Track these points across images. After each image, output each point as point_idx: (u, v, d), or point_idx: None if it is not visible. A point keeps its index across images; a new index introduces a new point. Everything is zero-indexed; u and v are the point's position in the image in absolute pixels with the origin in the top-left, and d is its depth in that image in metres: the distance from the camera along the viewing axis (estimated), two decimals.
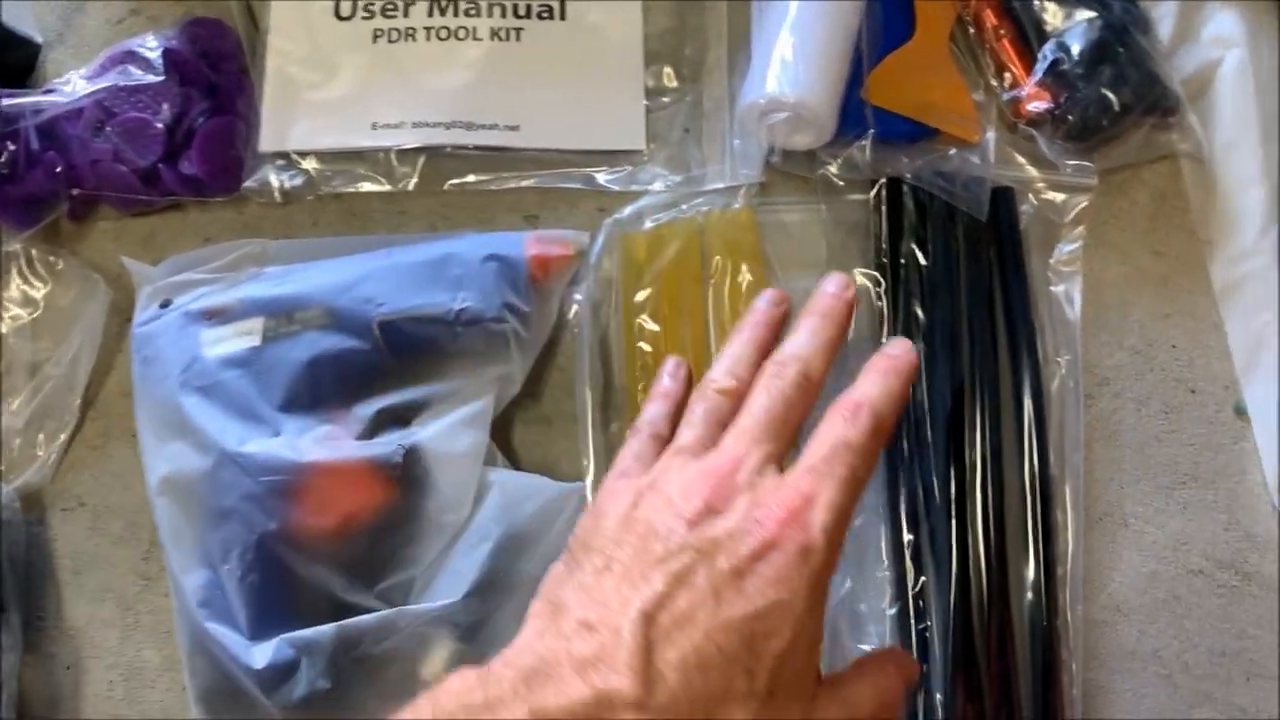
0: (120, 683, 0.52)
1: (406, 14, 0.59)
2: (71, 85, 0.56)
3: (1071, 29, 0.55)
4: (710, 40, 0.59)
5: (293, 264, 0.54)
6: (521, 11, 0.59)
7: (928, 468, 0.51)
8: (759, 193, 0.56)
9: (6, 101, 0.55)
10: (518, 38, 0.58)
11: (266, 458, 0.48)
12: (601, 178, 0.57)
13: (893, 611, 0.50)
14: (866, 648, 0.50)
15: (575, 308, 0.54)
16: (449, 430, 0.50)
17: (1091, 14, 0.55)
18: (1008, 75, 0.56)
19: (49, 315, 0.56)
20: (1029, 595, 0.50)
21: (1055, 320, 0.54)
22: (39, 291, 0.56)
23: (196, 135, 0.56)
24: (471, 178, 0.57)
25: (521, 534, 0.49)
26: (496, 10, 0.59)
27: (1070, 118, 0.54)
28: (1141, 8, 0.56)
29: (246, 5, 0.60)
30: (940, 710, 0.48)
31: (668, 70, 0.59)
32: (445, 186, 0.57)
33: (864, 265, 0.55)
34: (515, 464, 0.53)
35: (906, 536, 0.50)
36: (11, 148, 0.54)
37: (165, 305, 0.53)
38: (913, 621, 0.49)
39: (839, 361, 0.40)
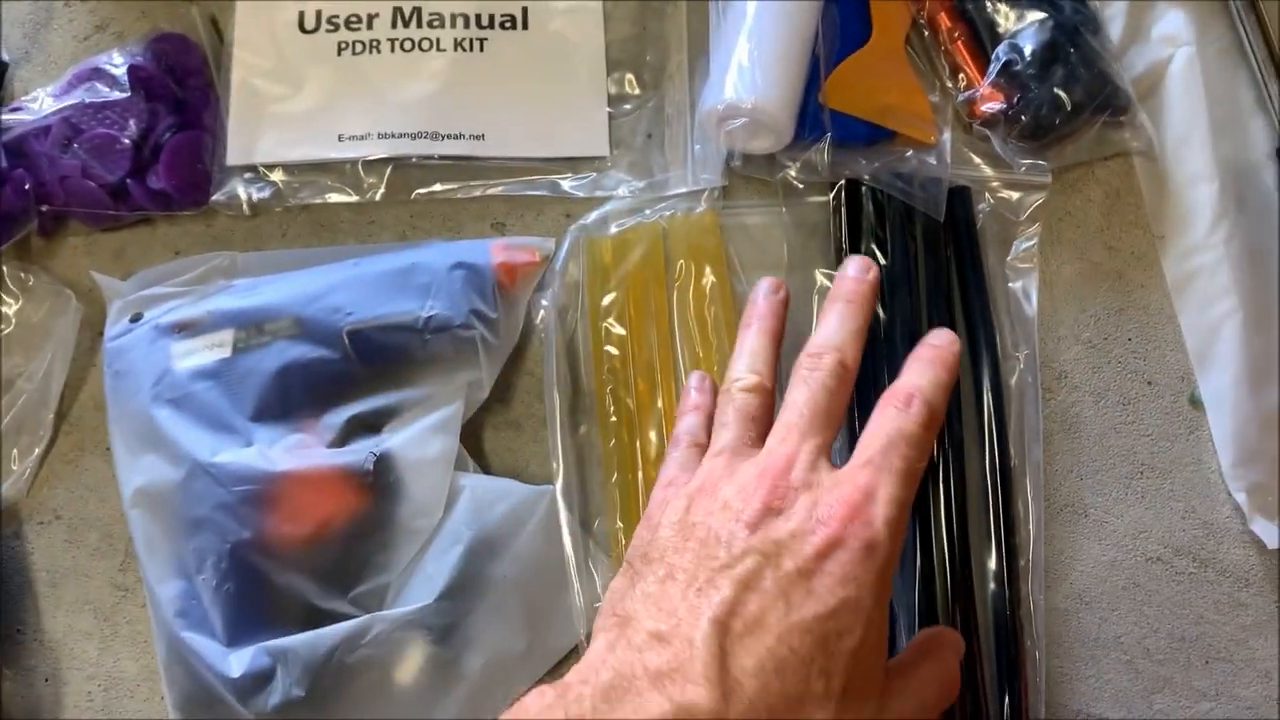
0: (99, 693, 0.52)
1: (370, 26, 0.59)
2: (39, 103, 0.57)
3: (1024, 31, 0.56)
4: (671, 47, 0.60)
5: (262, 276, 0.55)
6: (484, 22, 0.59)
7: None
8: (721, 196, 0.57)
9: None
10: (481, 48, 0.59)
11: (239, 467, 0.48)
12: (567, 184, 0.58)
13: None
14: None
15: (543, 313, 0.55)
16: (419, 436, 0.50)
17: (1043, 15, 0.56)
18: (962, 77, 0.57)
19: (21, 331, 0.56)
20: (992, 586, 0.51)
21: (1013, 316, 0.55)
22: (10, 307, 0.56)
23: (164, 150, 0.56)
24: (438, 187, 0.58)
25: (492, 536, 0.50)
26: (460, 21, 0.59)
27: (1024, 118, 0.55)
28: (1092, 8, 0.57)
29: (211, 19, 0.61)
30: None
31: (630, 77, 0.60)
32: (412, 196, 0.58)
33: (825, 265, 0.56)
34: (486, 468, 0.54)
35: None
36: None
37: (136, 319, 0.53)
38: None
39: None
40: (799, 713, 0.32)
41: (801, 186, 0.56)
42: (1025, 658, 0.50)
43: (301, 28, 0.59)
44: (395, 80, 0.58)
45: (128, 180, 0.56)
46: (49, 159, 0.55)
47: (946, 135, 0.56)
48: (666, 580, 0.35)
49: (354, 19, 0.59)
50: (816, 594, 0.33)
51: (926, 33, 0.58)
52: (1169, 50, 0.59)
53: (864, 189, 0.55)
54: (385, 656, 0.48)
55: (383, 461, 0.49)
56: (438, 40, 0.59)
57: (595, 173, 0.58)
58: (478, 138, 0.58)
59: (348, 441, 0.50)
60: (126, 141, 0.55)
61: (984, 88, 0.56)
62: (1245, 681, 0.52)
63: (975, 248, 0.55)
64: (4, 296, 0.56)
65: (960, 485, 0.52)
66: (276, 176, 0.58)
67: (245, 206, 0.57)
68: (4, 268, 0.57)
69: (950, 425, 0.52)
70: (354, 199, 0.57)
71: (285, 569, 0.48)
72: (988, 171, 0.57)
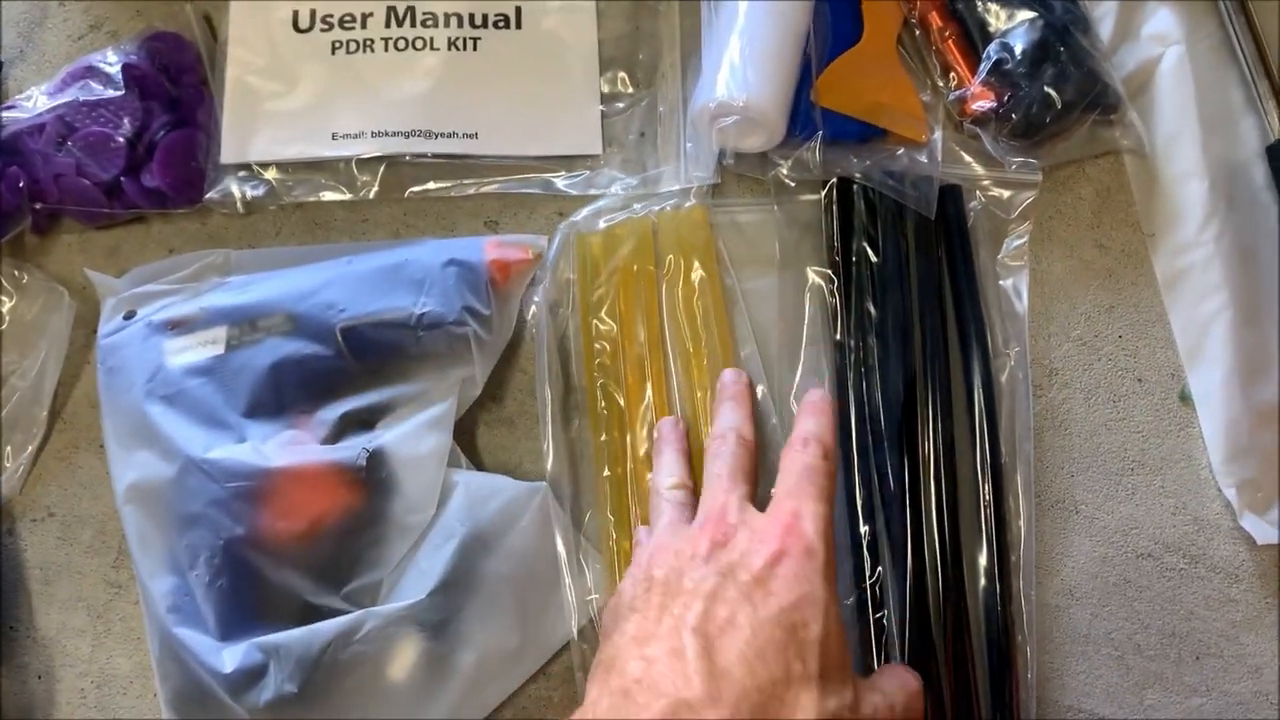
0: (92, 690, 0.52)
1: (364, 25, 0.59)
2: (33, 101, 0.57)
3: (1014, 30, 0.56)
4: (663, 46, 0.60)
5: (256, 273, 0.55)
6: (478, 21, 0.60)
7: (882, 460, 0.52)
8: (713, 194, 0.57)
9: None
10: (475, 47, 0.59)
11: (232, 463, 0.48)
12: (560, 182, 0.58)
13: (850, 601, 0.51)
14: None
15: (534, 309, 0.55)
16: (413, 433, 0.51)
17: (1033, 15, 0.56)
18: (953, 76, 0.57)
19: (15, 328, 0.56)
20: (983, 582, 0.51)
21: (1004, 313, 0.55)
22: (4, 305, 0.56)
23: (158, 148, 0.56)
24: (432, 185, 0.58)
25: (485, 532, 0.50)
26: (453, 20, 0.59)
27: (1014, 116, 0.55)
28: (1082, 8, 0.58)
29: (205, 18, 0.61)
30: None
31: (622, 76, 0.60)
32: (406, 194, 0.58)
33: (816, 263, 0.56)
34: (479, 465, 0.54)
35: (863, 528, 0.51)
36: None
37: (129, 316, 0.53)
38: (870, 611, 0.50)
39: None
40: (787, 692, 0.36)
41: (793, 184, 0.56)
42: (1016, 653, 0.50)
43: (296, 26, 0.60)
44: (389, 79, 0.59)
45: (122, 178, 0.56)
46: (43, 157, 0.55)
47: (938, 134, 0.56)
48: (641, 621, 0.40)
49: (348, 18, 0.59)
50: (775, 593, 0.38)
51: (918, 32, 0.59)
52: (1159, 49, 0.59)
53: (855, 187, 0.56)
54: (378, 652, 0.48)
55: (376, 458, 0.49)
56: (431, 39, 0.59)
57: (588, 170, 0.58)
58: (471, 136, 0.58)
59: (341, 438, 0.50)
60: (121, 139, 0.55)
61: (975, 86, 0.56)
62: (1235, 677, 0.52)
63: (966, 245, 0.55)
64: None
65: (952, 483, 0.52)
66: (270, 174, 0.58)
67: (239, 204, 0.57)
68: None
69: (941, 422, 0.52)
70: (348, 197, 0.58)
71: (278, 565, 0.48)
72: (979, 170, 0.57)
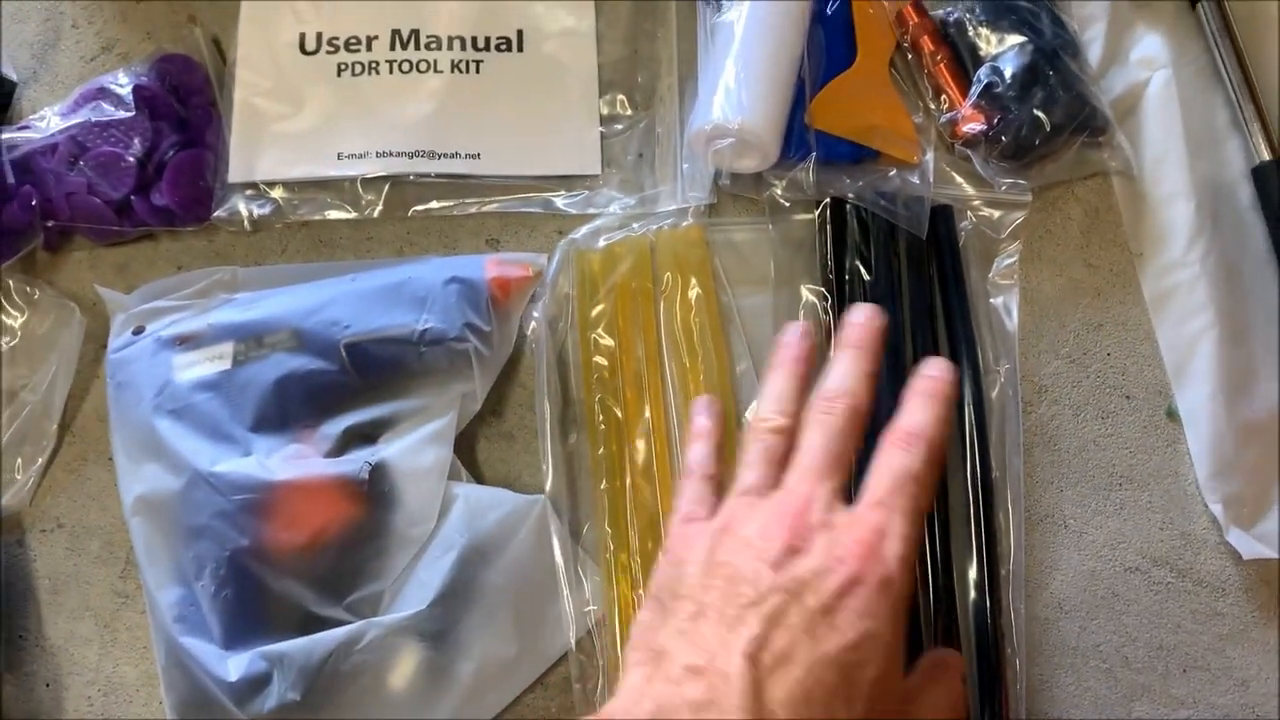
0: (99, 698, 0.53)
1: (369, 48, 0.61)
2: (46, 121, 0.58)
3: (1005, 54, 0.57)
4: (662, 69, 0.61)
5: (262, 290, 0.56)
6: (480, 44, 0.61)
7: None
8: (709, 213, 0.58)
9: None
10: (477, 69, 0.61)
11: (238, 477, 0.49)
12: (560, 202, 0.59)
13: None
14: None
15: (534, 324, 0.56)
16: (414, 446, 0.52)
17: (1023, 39, 0.57)
18: (945, 98, 0.58)
19: (26, 343, 0.57)
20: (973, 595, 0.52)
21: (994, 331, 0.56)
22: (16, 320, 0.58)
23: (167, 167, 0.57)
24: (435, 204, 0.59)
25: (485, 544, 0.51)
26: (456, 43, 0.61)
27: (1004, 138, 0.56)
28: (1071, 32, 0.59)
29: (214, 40, 0.62)
30: None
31: (621, 98, 0.61)
32: (409, 213, 0.59)
33: (810, 281, 0.57)
34: (479, 478, 0.55)
35: None
36: None
37: (139, 332, 0.54)
38: None
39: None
40: None
41: (788, 204, 0.58)
42: (1006, 666, 0.51)
43: (302, 49, 0.61)
44: (393, 100, 0.60)
45: (132, 197, 0.57)
46: (55, 176, 0.57)
47: (929, 155, 0.57)
48: (698, 617, 0.37)
49: (354, 41, 0.61)
50: (839, 629, 0.35)
51: (910, 55, 0.60)
52: (1146, 73, 0.60)
53: (849, 207, 0.57)
54: (379, 662, 0.49)
55: (378, 471, 0.50)
56: (435, 62, 0.60)
57: (587, 190, 0.59)
58: (474, 156, 0.59)
59: (344, 451, 0.51)
60: (131, 159, 0.57)
61: (966, 109, 0.57)
62: (1222, 689, 0.53)
63: (958, 265, 0.56)
64: (10, 309, 0.58)
65: (943, 497, 0.53)
66: (277, 193, 0.59)
67: (246, 222, 0.59)
68: (10, 281, 0.58)
69: None
70: (352, 216, 0.59)
71: (282, 576, 0.49)
72: (969, 191, 0.58)
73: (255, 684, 0.47)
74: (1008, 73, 0.57)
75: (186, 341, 0.53)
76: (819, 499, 0.39)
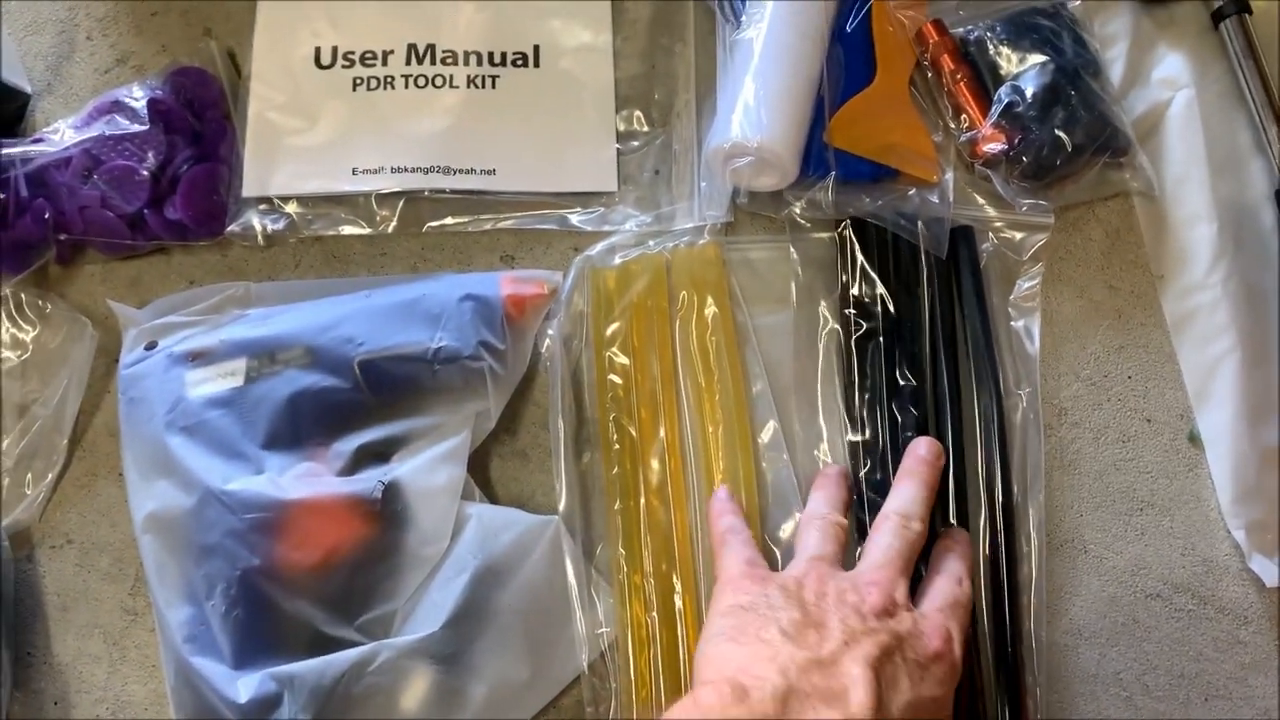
0: (107, 717, 0.53)
1: (385, 63, 0.60)
2: (60, 134, 0.58)
3: (1025, 73, 0.57)
4: (679, 85, 0.61)
5: (275, 306, 0.56)
6: (497, 59, 0.61)
7: None
8: (726, 231, 0.58)
9: None
10: (493, 85, 0.60)
11: (249, 495, 0.49)
12: (575, 218, 0.59)
13: None
14: None
15: (548, 342, 0.55)
16: (427, 465, 0.51)
17: (1044, 59, 0.57)
18: (965, 118, 0.58)
19: (37, 357, 0.57)
20: (993, 623, 0.51)
21: (1015, 354, 0.56)
22: (28, 334, 0.57)
23: (181, 181, 0.57)
24: (450, 220, 0.59)
25: (498, 565, 0.50)
26: (472, 58, 0.61)
27: (1025, 158, 0.55)
28: (1093, 52, 0.58)
29: (229, 54, 0.62)
30: None
31: (638, 114, 0.61)
32: (424, 229, 0.59)
33: (829, 301, 0.56)
34: (492, 497, 0.54)
35: None
36: (1, 195, 0.56)
37: (151, 347, 0.54)
38: None
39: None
40: None
41: (807, 223, 0.57)
42: (1027, 695, 0.51)
43: (318, 63, 0.61)
44: (409, 115, 0.60)
45: (145, 210, 0.57)
46: (69, 189, 0.56)
47: (949, 175, 0.57)
48: (806, 625, 0.42)
49: (369, 55, 0.61)
50: (929, 683, 0.42)
51: (930, 74, 0.59)
52: (1168, 93, 0.60)
53: (869, 227, 0.56)
54: (391, 684, 0.48)
55: (391, 490, 0.50)
56: (451, 77, 0.60)
57: (603, 207, 0.59)
58: (489, 172, 0.59)
59: (357, 470, 0.51)
60: (145, 173, 0.56)
61: (986, 128, 0.57)
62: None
63: (979, 286, 0.56)
64: (21, 323, 0.58)
65: (963, 521, 0.52)
66: (291, 208, 0.59)
67: (260, 237, 0.58)
68: (22, 295, 0.58)
69: (954, 462, 0.53)
70: (366, 231, 0.58)
71: (294, 596, 0.49)
72: (991, 212, 0.58)
73: (266, 705, 0.47)
74: (1029, 92, 0.56)
75: (199, 357, 0.53)
76: (900, 588, 0.45)
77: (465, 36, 0.61)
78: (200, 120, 0.59)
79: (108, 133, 0.57)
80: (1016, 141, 0.56)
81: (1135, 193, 0.59)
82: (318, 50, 0.61)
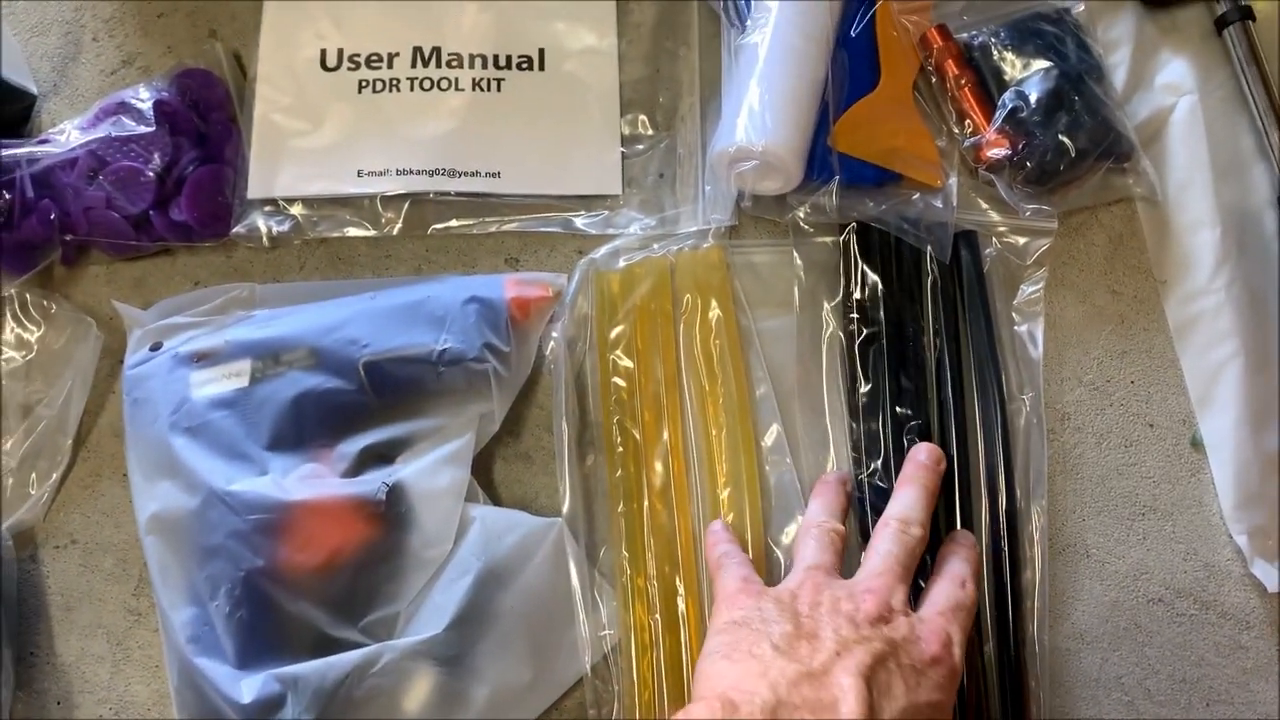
0: (110, 717, 0.53)
1: (390, 65, 0.61)
2: (66, 135, 0.58)
3: (1029, 78, 0.57)
4: (683, 89, 0.61)
5: (280, 307, 0.56)
6: (502, 62, 0.61)
7: None
8: (730, 235, 0.58)
9: (3, 151, 0.57)
10: (498, 88, 0.60)
11: (253, 496, 0.49)
12: (580, 221, 0.59)
13: None
14: None
15: (552, 345, 0.56)
16: (431, 467, 0.51)
17: (1048, 64, 0.57)
18: (969, 123, 0.58)
19: (42, 357, 0.57)
20: (996, 627, 0.51)
21: (1019, 359, 0.56)
22: (32, 334, 0.57)
23: (186, 183, 0.57)
24: (454, 223, 0.59)
25: (501, 567, 0.50)
26: (478, 61, 0.61)
27: (1028, 163, 0.56)
28: (1096, 57, 0.58)
29: (235, 56, 0.62)
30: None
31: (643, 118, 0.61)
32: (429, 231, 0.59)
33: (833, 305, 0.56)
34: (496, 500, 0.54)
35: None
36: (7, 196, 0.56)
37: (156, 348, 0.54)
38: None
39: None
40: None
41: (810, 227, 0.57)
42: (1030, 699, 0.51)
43: (323, 65, 0.61)
44: (414, 118, 0.60)
45: (150, 212, 0.57)
46: (74, 190, 0.56)
47: (953, 179, 0.57)
48: (799, 637, 0.42)
49: (375, 58, 0.61)
50: (925, 688, 0.41)
51: (934, 79, 0.60)
52: (1171, 98, 0.60)
53: (873, 232, 0.56)
54: (394, 686, 0.48)
55: (395, 492, 0.50)
56: (456, 80, 0.60)
57: (608, 210, 0.59)
58: (494, 175, 0.59)
59: (361, 471, 0.51)
60: (150, 174, 0.56)
61: (990, 133, 0.57)
62: None
63: (983, 291, 0.56)
64: (26, 324, 0.58)
65: (967, 526, 0.52)
66: (296, 210, 0.59)
67: (265, 239, 0.58)
68: (27, 295, 0.58)
69: (957, 466, 0.53)
70: (371, 233, 0.59)
71: (297, 597, 0.49)
72: (994, 217, 0.58)
73: (269, 706, 0.47)
74: (1032, 97, 0.56)
75: (204, 358, 0.53)
76: (897, 595, 0.44)
77: (470, 39, 0.61)
78: (206, 122, 0.60)
79: (113, 134, 0.57)
80: (1020, 146, 0.56)
81: (1138, 198, 0.59)
82: (323, 52, 0.61)
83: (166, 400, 0.52)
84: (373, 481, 0.50)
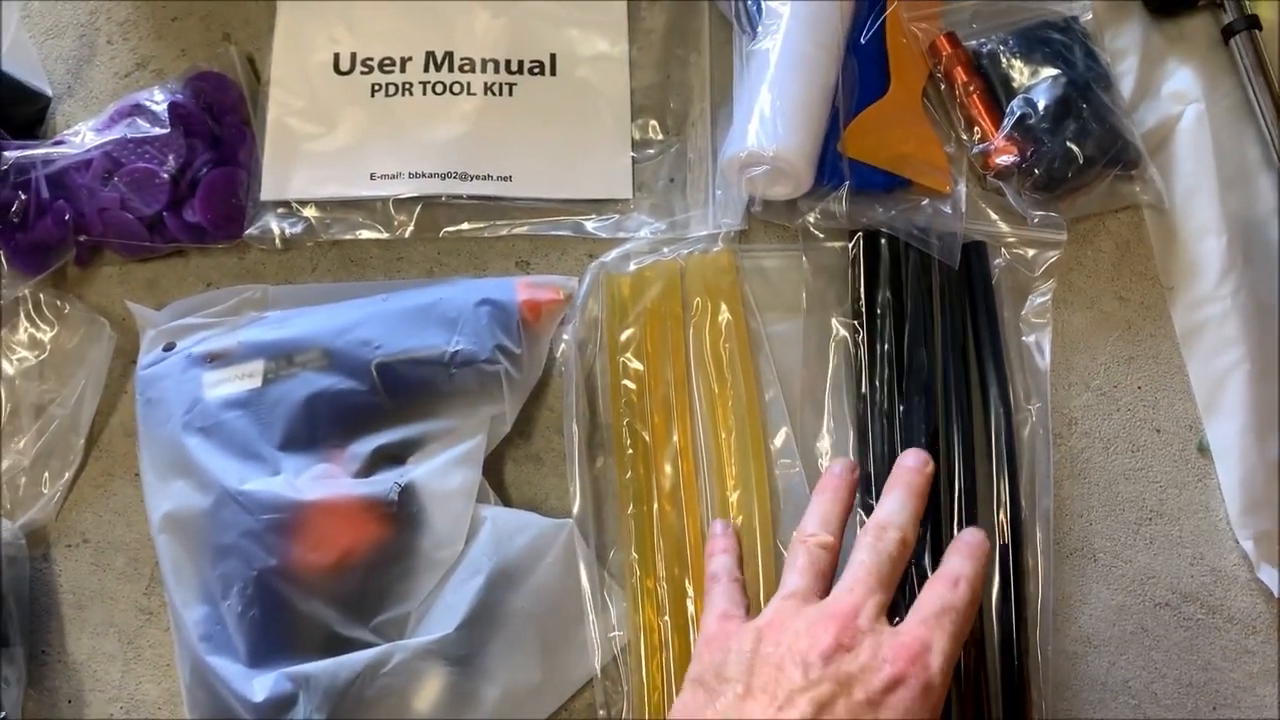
0: (121, 716, 0.53)
1: (403, 69, 0.61)
2: (81, 137, 0.58)
3: (1037, 86, 0.57)
4: (694, 95, 0.62)
5: (292, 308, 0.56)
6: (514, 67, 0.61)
7: None
8: (740, 240, 0.58)
9: (18, 152, 0.57)
10: (510, 92, 0.61)
11: (266, 496, 0.49)
12: (590, 225, 0.59)
13: None
14: None
15: (563, 347, 0.56)
16: (443, 468, 0.51)
17: (1056, 72, 0.57)
18: (977, 130, 0.58)
19: (55, 357, 0.57)
20: (1000, 635, 0.51)
21: (1026, 368, 0.56)
22: (46, 334, 0.58)
23: (200, 185, 0.58)
24: (466, 226, 0.59)
25: (512, 567, 0.51)
26: (490, 66, 0.61)
27: (1036, 170, 0.56)
28: (1104, 65, 0.59)
29: (249, 59, 0.63)
30: None
31: (653, 123, 0.61)
32: (440, 234, 0.59)
33: (841, 312, 0.57)
34: (506, 501, 0.55)
35: None
36: (22, 197, 0.56)
37: (169, 348, 0.55)
38: None
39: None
40: None
41: (820, 233, 0.58)
42: (1032, 709, 0.51)
43: (336, 69, 0.61)
44: (426, 122, 0.60)
45: (164, 213, 0.57)
46: (89, 191, 0.57)
47: (961, 186, 0.57)
48: (745, 698, 0.40)
49: (388, 62, 0.61)
50: (887, 714, 0.39)
51: (943, 86, 0.60)
52: (1179, 107, 0.61)
53: (882, 239, 0.57)
54: (404, 685, 0.48)
55: (406, 492, 0.50)
56: (468, 84, 0.61)
57: (618, 214, 0.60)
58: (505, 179, 0.59)
59: (373, 472, 0.51)
60: (165, 176, 0.57)
61: (998, 140, 0.57)
62: None
63: (991, 301, 0.56)
64: (40, 324, 0.58)
65: None
66: (309, 212, 0.59)
67: (277, 241, 0.59)
68: (41, 296, 0.58)
69: (963, 476, 0.53)
70: (384, 236, 0.59)
71: (309, 596, 0.49)
72: (1003, 227, 0.58)
73: (280, 705, 0.47)
74: (1041, 105, 0.57)
75: (217, 359, 0.53)
76: (867, 609, 0.42)
77: (483, 44, 0.62)
78: (220, 124, 0.60)
79: (128, 136, 0.58)
80: (1028, 153, 0.56)
81: (1145, 205, 0.59)
82: (336, 56, 0.62)
83: (180, 400, 0.52)
84: (385, 482, 0.50)
